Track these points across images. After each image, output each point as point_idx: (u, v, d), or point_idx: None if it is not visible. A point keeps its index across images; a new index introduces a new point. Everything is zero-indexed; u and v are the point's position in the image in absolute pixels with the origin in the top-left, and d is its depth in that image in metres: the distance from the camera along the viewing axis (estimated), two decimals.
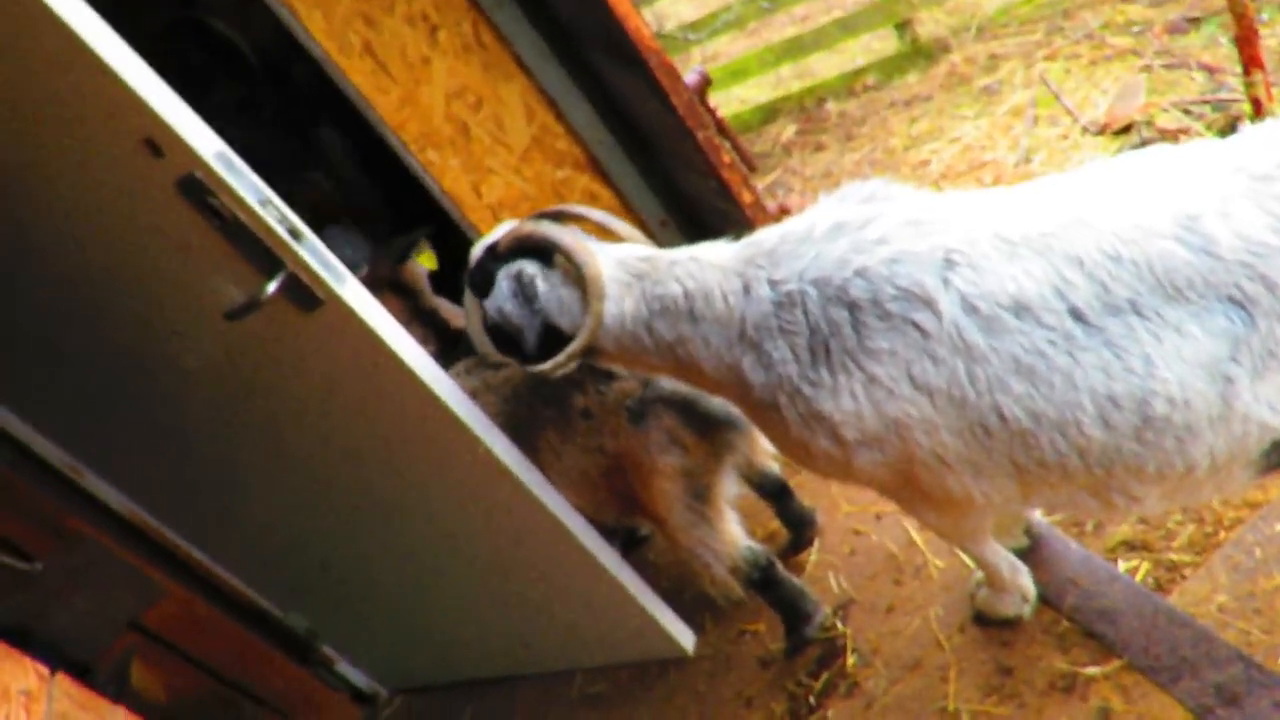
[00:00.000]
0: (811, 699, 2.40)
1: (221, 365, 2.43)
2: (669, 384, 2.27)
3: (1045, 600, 2.21)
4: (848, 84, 5.66)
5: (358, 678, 3.38)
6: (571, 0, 2.60)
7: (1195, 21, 4.21)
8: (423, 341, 2.41)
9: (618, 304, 1.91)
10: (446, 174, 2.90)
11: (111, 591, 2.66)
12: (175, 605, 2.87)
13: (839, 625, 2.51)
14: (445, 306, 3.06)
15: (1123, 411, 1.56)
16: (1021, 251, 1.58)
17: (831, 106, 5.49)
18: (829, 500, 2.83)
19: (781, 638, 2.58)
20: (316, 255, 2.08)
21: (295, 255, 2.05)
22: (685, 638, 2.74)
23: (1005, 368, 1.60)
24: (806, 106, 5.66)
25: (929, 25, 5.47)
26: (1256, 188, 1.45)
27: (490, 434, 2.34)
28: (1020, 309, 1.57)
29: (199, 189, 1.99)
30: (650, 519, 2.42)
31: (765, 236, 1.84)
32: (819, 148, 5.16)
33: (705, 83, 2.76)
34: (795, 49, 5.77)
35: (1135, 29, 4.44)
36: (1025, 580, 2.18)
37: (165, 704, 2.66)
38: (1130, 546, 2.30)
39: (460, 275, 3.40)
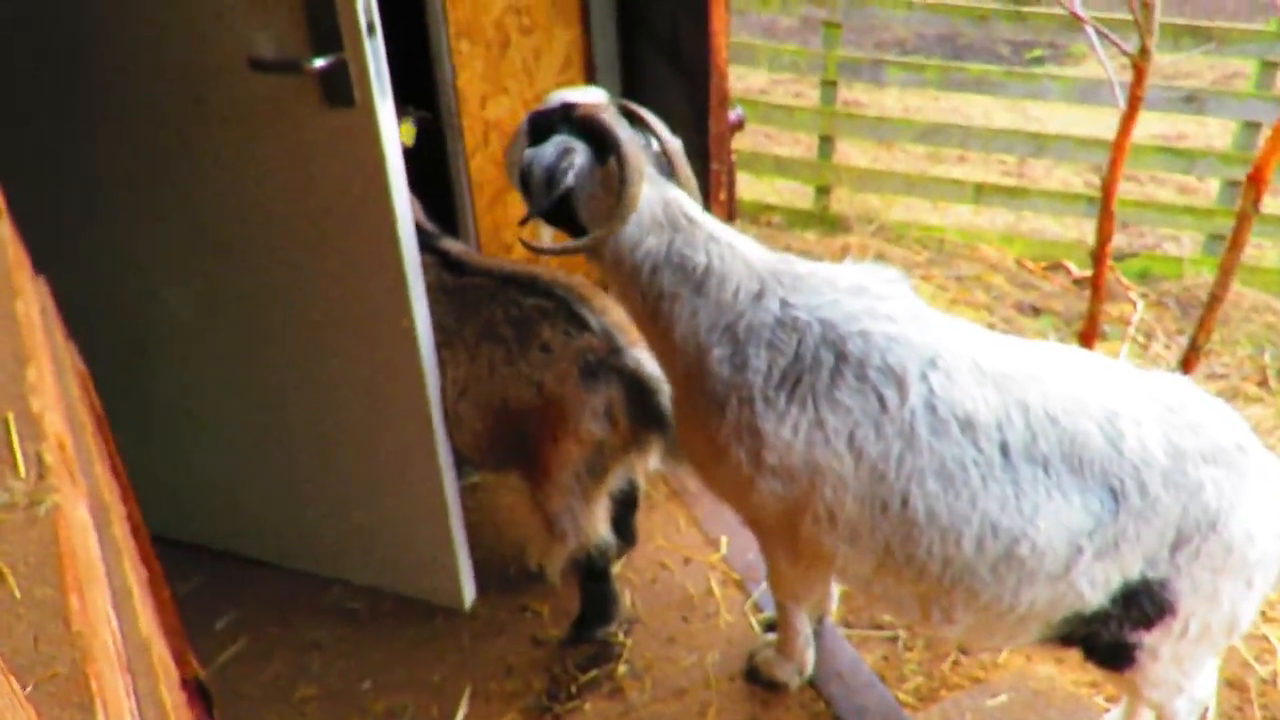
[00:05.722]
0: (574, 688, 2.48)
1: (204, 101, 2.23)
2: (632, 362, 2.29)
3: (811, 682, 2.47)
4: (757, 211, 6.17)
5: None
6: None
7: (1038, 312, 5.08)
8: None
9: (642, 234, 1.95)
10: (465, 70, 2.88)
11: None
12: None
13: (620, 636, 2.63)
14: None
15: (997, 541, 1.85)
16: (988, 381, 1.88)
17: (737, 223, 5.93)
18: (646, 531, 2.99)
19: (562, 627, 2.66)
20: (377, 59, 2.03)
21: (360, 47, 2.00)
22: (468, 591, 2.73)
23: (931, 466, 1.86)
24: None
25: (843, 203, 6.13)
26: (1164, 415, 1.85)
27: (423, 317, 2.31)
28: (967, 425, 1.85)
29: None
30: (534, 471, 2.40)
31: (798, 262, 2.03)
32: None
33: (739, 126, 2.97)
34: None
35: (993, 293, 5.26)
36: (810, 656, 2.44)
37: None
38: None
39: (428, 168, 3.26)
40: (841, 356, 1.90)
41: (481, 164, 3.02)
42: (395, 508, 2.61)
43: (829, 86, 5.86)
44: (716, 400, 1.98)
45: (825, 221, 6.04)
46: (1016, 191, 5.88)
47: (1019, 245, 5.82)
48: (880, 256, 5.57)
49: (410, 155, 3.00)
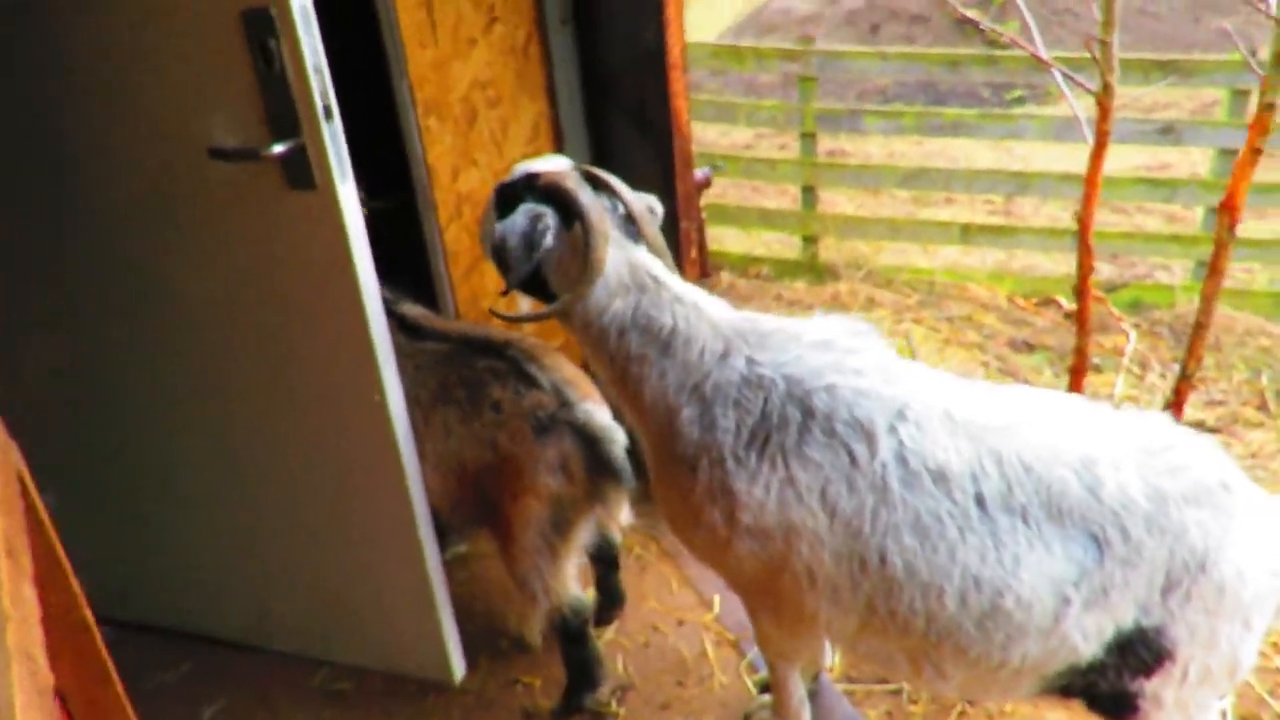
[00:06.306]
0: None
1: (162, 188, 2.27)
2: (582, 415, 2.31)
3: None
4: (745, 264, 6.20)
5: None
6: (627, 53, 2.80)
7: (1031, 348, 5.06)
8: None
9: (609, 297, 1.96)
10: (435, 146, 2.92)
11: None
12: None
13: (614, 705, 2.57)
14: None
15: (980, 595, 1.80)
16: (960, 432, 1.84)
17: (725, 275, 5.96)
18: (638, 592, 2.94)
19: (553, 698, 2.59)
20: (335, 142, 2.07)
21: (318, 131, 2.03)
22: (458, 666, 2.68)
23: (906, 520, 1.81)
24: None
25: (830, 251, 6.16)
26: (1142, 459, 1.81)
27: (394, 390, 2.31)
28: (940, 477, 1.81)
29: (265, 26, 1.95)
30: (500, 531, 2.40)
31: (763, 320, 2.02)
32: None
33: (706, 184, 3.00)
34: (716, 214, 6.28)
35: (985, 332, 5.24)
36: (806, 716, 2.37)
37: None
38: None
39: (400, 244, 3.32)
40: (808, 412, 1.87)
41: (456, 234, 3.05)
42: (378, 585, 2.58)
43: (808, 139, 5.94)
44: (688, 461, 1.96)
45: (814, 270, 6.06)
46: (1004, 230, 5.91)
47: (1009, 283, 5.83)
48: (871, 301, 5.57)
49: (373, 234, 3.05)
